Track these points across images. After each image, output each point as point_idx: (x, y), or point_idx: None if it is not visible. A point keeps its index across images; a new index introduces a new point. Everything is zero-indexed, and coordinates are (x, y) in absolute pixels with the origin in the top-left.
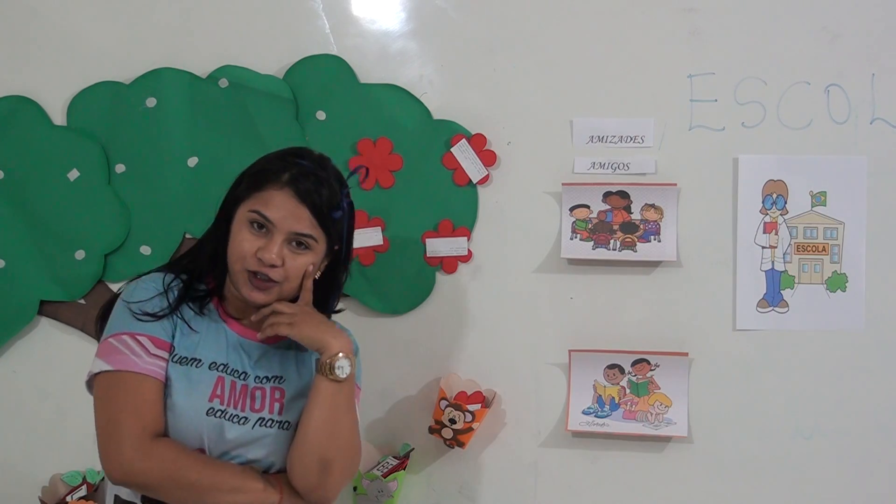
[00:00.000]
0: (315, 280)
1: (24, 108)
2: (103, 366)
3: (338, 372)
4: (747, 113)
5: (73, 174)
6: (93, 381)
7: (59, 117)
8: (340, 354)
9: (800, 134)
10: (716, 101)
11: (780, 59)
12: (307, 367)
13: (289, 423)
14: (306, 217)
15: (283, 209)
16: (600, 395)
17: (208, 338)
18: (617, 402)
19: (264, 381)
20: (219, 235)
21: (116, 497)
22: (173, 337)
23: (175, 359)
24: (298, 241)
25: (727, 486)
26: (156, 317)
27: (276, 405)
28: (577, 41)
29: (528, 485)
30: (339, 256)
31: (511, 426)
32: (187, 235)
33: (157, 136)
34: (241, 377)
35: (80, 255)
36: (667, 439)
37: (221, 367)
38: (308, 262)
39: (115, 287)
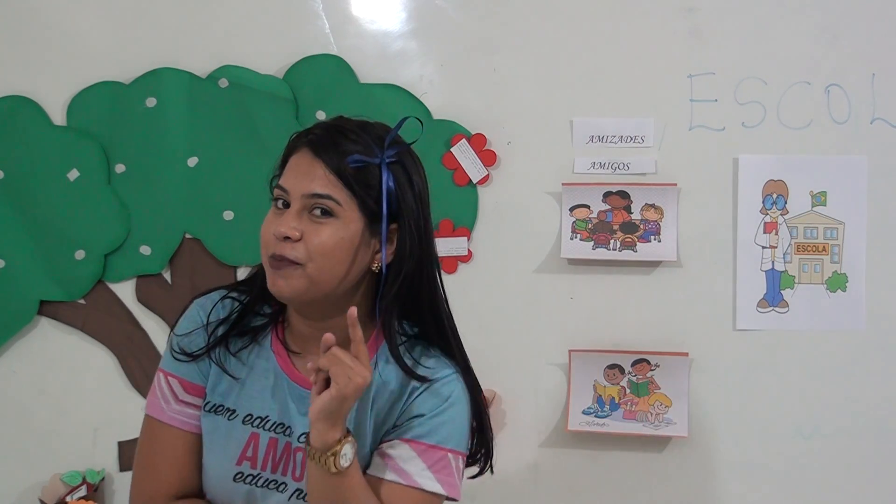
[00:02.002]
0: (381, 274)
1: (24, 108)
2: (144, 404)
3: (342, 461)
4: (747, 113)
5: (73, 174)
6: None
7: (59, 117)
8: (344, 441)
9: (800, 134)
10: (716, 101)
11: (780, 59)
12: (362, 428)
13: None
14: (321, 173)
15: (298, 170)
16: (600, 395)
17: (252, 380)
18: (617, 402)
19: None
20: None
21: None
22: (206, 378)
23: (207, 407)
24: (318, 207)
25: (727, 486)
26: (192, 357)
27: None
28: (577, 41)
29: (528, 485)
30: (405, 237)
31: (511, 426)
32: (187, 235)
33: (157, 136)
34: (285, 432)
35: (80, 255)
36: (667, 439)
37: (258, 420)
38: (335, 235)
39: (115, 287)
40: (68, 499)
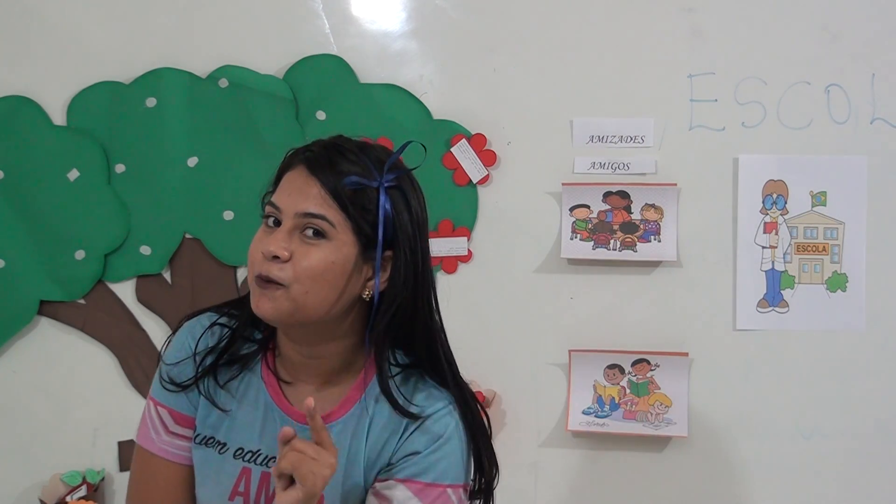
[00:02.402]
0: (371, 303)
1: (24, 108)
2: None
3: None
4: (747, 113)
5: (73, 174)
6: None
7: (59, 117)
8: None
9: (800, 134)
10: (716, 101)
11: (780, 59)
12: (356, 464)
13: None
14: (315, 192)
15: (292, 188)
16: (600, 395)
17: (242, 412)
18: (617, 402)
19: None
20: None
21: None
22: (196, 407)
23: (198, 439)
24: (311, 228)
25: (727, 486)
26: (180, 387)
27: None
28: (577, 41)
29: (528, 485)
30: (399, 265)
31: (511, 426)
32: (187, 235)
33: (157, 136)
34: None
35: (80, 255)
36: (667, 439)
37: (249, 454)
38: (326, 258)
39: (115, 287)
40: (68, 499)
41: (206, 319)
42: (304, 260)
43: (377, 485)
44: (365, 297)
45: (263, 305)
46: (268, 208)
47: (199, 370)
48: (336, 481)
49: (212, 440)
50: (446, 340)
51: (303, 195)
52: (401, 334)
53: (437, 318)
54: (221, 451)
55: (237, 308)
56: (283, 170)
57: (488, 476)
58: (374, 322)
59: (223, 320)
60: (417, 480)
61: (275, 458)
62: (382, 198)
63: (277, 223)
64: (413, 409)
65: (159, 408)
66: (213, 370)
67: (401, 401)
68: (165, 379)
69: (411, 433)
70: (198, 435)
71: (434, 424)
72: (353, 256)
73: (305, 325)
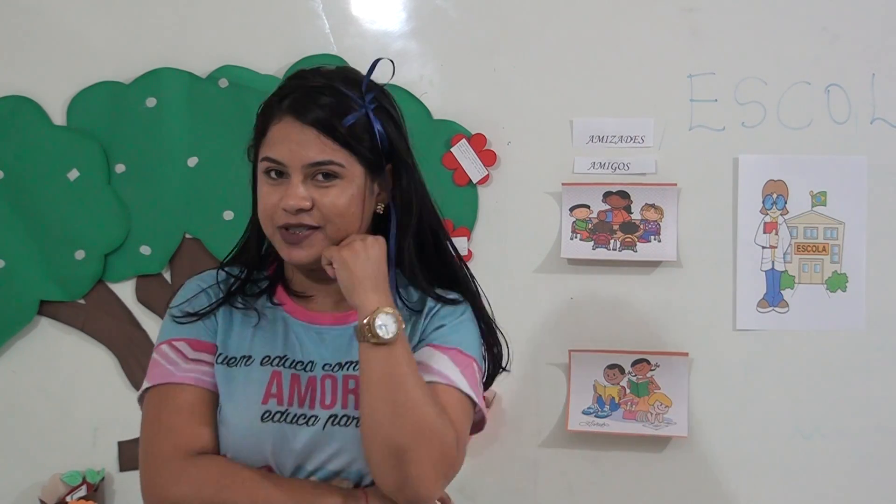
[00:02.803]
0: (381, 216)
1: (24, 108)
2: (145, 384)
3: (380, 331)
4: (747, 113)
5: (73, 174)
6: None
7: (59, 117)
8: (380, 310)
9: (800, 134)
10: (716, 101)
11: (780, 59)
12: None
13: None
14: (314, 140)
15: (288, 140)
16: (600, 395)
17: (262, 328)
18: (617, 402)
19: (335, 368)
20: (254, 214)
21: None
22: (215, 334)
23: (220, 360)
24: (322, 173)
25: (727, 486)
26: (197, 315)
27: (351, 397)
28: (577, 41)
29: (528, 485)
30: (401, 173)
31: (511, 426)
32: (187, 235)
33: (157, 136)
34: (306, 368)
35: (80, 255)
36: (667, 439)
37: (277, 359)
38: (344, 194)
39: (115, 287)
40: (68, 499)
41: (211, 271)
42: (327, 201)
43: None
44: (379, 210)
45: (298, 253)
46: (266, 163)
47: (219, 296)
48: None
49: (233, 359)
50: (455, 245)
51: (303, 146)
52: (416, 238)
53: (440, 218)
54: (247, 363)
55: (238, 262)
56: (265, 122)
57: (500, 343)
58: (400, 225)
59: (228, 270)
60: (449, 346)
61: (301, 361)
62: (374, 123)
63: (280, 174)
64: (434, 294)
65: (174, 342)
66: (229, 299)
67: (424, 286)
68: (178, 315)
69: (436, 311)
70: (220, 356)
71: (455, 307)
72: (364, 182)
73: None
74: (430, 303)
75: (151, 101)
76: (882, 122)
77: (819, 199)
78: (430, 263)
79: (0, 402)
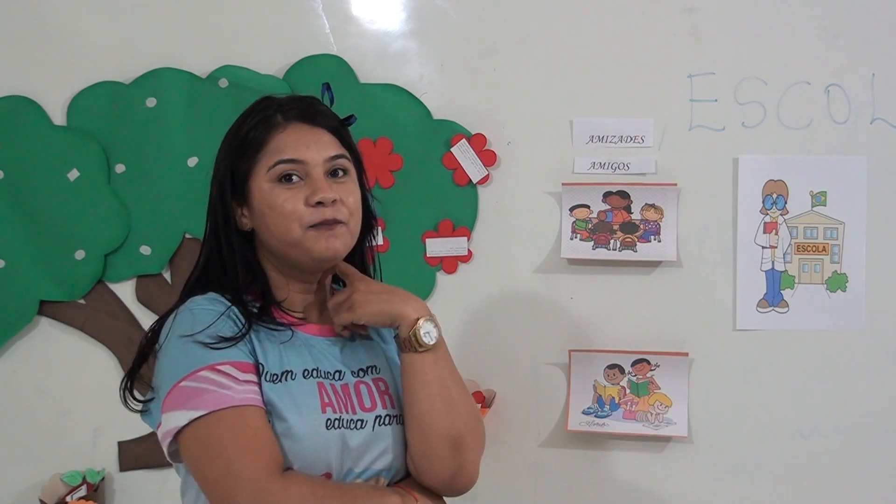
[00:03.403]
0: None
1: (24, 108)
2: (190, 414)
3: (425, 339)
4: (747, 113)
5: (73, 174)
6: (178, 441)
7: (59, 117)
8: (421, 320)
9: (800, 134)
10: (716, 101)
11: (780, 59)
12: (392, 351)
13: (401, 416)
14: (328, 138)
15: (303, 141)
16: (600, 395)
17: (289, 347)
18: (617, 402)
19: (362, 374)
20: (233, 238)
21: None
22: (254, 355)
23: (268, 377)
24: (335, 169)
25: (727, 486)
26: (234, 340)
27: (386, 398)
28: (577, 41)
29: (528, 485)
30: (363, 180)
31: (511, 426)
32: (187, 235)
33: (157, 136)
34: (338, 377)
35: (80, 255)
36: (667, 439)
37: (315, 372)
38: (356, 190)
39: (115, 287)
40: (68, 499)
41: (212, 296)
42: (348, 196)
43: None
44: None
45: (335, 244)
46: (286, 166)
47: (246, 317)
48: (386, 366)
49: (278, 375)
50: (373, 252)
51: (320, 143)
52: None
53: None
54: (292, 377)
55: (221, 285)
56: (264, 134)
57: None
58: (371, 231)
59: (223, 297)
60: None
61: (329, 372)
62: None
63: (299, 178)
64: None
65: (218, 367)
66: (250, 319)
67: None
68: (212, 341)
69: None
70: (266, 373)
71: None
72: (356, 182)
73: None
74: None
75: (151, 101)
76: (882, 122)
77: (819, 199)
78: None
79: (0, 402)
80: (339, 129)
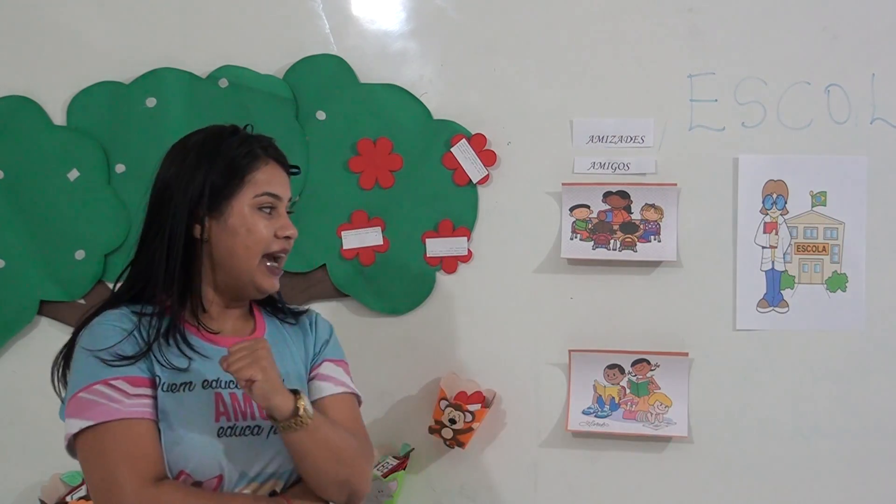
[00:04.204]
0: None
1: (24, 108)
2: (81, 423)
3: (307, 415)
4: (747, 113)
5: (73, 174)
6: (74, 445)
7: (59, 117)
8: (298, 400)
9: (800, 134)
10: (716, 101)
11: (780, 59)
12: (297, 350)
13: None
14: (287, 181)
15: (277, 180)
16: (600, 395)
17: (191, 361)
18: (617, 402)
19: None
20: (177, 248)
21: None
22: (152, 370)
23: (164, 387)
24: (289, 210)
25: (727, 486)
26: (133, 359)
27: None
28: (577, 41)
29: (528, 485)
30: None
31: (511, 426)
32: None
33: (157, 136)
34: (237, 386)
35: (80, 255)
36: (667, 439)
37: (214, 382)
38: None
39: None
40: (68, 499)
41: (112, 311)
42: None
43: (317, 370)
44: None
45: (276, 284)
46: (270, 199)
47: (151, 336)
48: (294, 376)
49: (174, 385)
50: None
51: (287, 185)
52: None
53: None
54: (190, 388)
55: (132, 299)
56: (247, 165)
57: None
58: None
59: (133, 308)
60: (339, 359)
61: (232, 380)
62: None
63: (270, 210)
64: (301, 311)
65: (112, 382)
66: (157, 333)
67: (289, 310)
68: (111, 359)
69: (315, 324)
70: (163, 384)
71: (320, 318)
72: None
73: None
74: (304, 317)
75: (151, 101)
76: (882, 122)
77: (819, 199)
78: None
79: (0, 402)
80: (290, 173)
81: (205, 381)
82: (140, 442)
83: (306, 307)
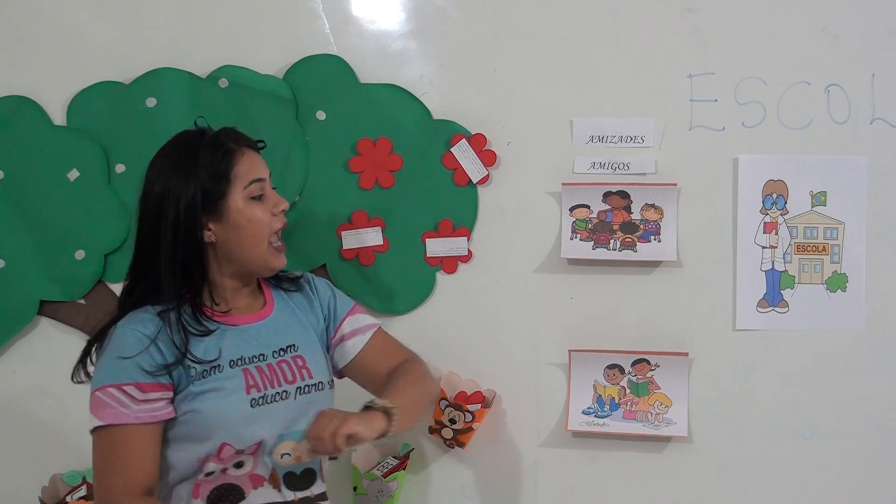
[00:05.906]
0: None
1: (24, 108)
2: (94, 421)
3: (395, 411)
4: (747, 113)
5: (73, 174)
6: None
7: (59, 117)
8: (391, 410)
9: (800, 134)
10: (716, 101)
11: (780, 59)
12: (307, 317)
13: (322, 382)
14: (262, 158)
15: (257, 165)
16: (600, 395)
17: (214, 344)
18: (617, 402)
19: (283, 353)
20: (187, 258)
21: None
22: (170, 375)
23: (195, 375)
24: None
25: (727, 486)
26: (167, 368)
27: (304, 371)
28: (577, 41)
29: (528, 485)
30: None
31: (511, 426)
32: None
33: (157, 136)
34: (261, 359)
35: (80, 255)
36: (667, 439)
37: (239, 360)
38: None
39: (115, 287)
40: (68, 499)
41: (139, 319)
42: None
43: (342, 328)
44: None
45: (284, 260)
46: (256, 185)
47: (177, 356)
48: (310, 341)
49: (206, 371)
50: None
51: (263, 164)
52: None
53: None
54: (220, 370)
55: (140, 298)
56: (228, 162)
57: None
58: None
59: (154, 309)
60: (351, 309)
61: (253, 356)
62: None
63: (260, 193)
64: (294, 276)
65: (125, 387)
66: (183, 341)
67: (290, 278)
68: (148, 367)
69: (315, 287)
70: (196, 374)
71: (315, 278)
72: None
73: None
74: (302, 280)
75: (151, 101)
76: (882, 122)
77: (819, 199)
78: None
79: (0, 402)
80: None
81: (231, 360)
82: (137, 450)
83: (300, 272)
